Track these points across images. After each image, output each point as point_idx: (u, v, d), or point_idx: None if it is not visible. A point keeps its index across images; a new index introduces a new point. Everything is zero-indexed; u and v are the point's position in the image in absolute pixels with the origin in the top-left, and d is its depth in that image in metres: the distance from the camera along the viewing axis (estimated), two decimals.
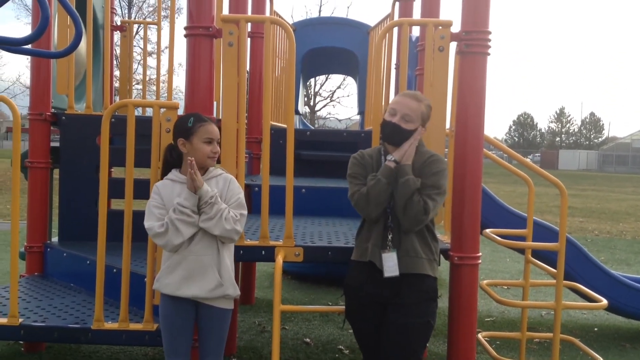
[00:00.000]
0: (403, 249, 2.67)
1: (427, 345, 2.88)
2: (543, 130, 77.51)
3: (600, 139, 72.43)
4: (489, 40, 3.16)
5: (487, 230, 3.79)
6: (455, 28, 3.17)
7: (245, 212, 2.74)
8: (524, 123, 76.60)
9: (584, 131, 74.60)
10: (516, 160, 4.00)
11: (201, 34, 3.05)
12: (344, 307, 2.87)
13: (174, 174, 2.74)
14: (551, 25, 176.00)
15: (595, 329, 5.15)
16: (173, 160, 2.77)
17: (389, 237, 2.69)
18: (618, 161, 53.72)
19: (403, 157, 2.68)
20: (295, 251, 3.13)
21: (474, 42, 3.15)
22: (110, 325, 3.06)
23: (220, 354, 2.78)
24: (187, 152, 2.68)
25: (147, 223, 2.65)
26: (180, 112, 3.07)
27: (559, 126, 75.93)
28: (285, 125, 5.35)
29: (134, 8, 26.32)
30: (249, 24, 3.65)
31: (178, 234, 2.59)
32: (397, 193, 2.64)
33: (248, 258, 3.28)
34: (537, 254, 4.30)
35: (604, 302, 3.62)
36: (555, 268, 3.47)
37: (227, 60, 3.07)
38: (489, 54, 3.19)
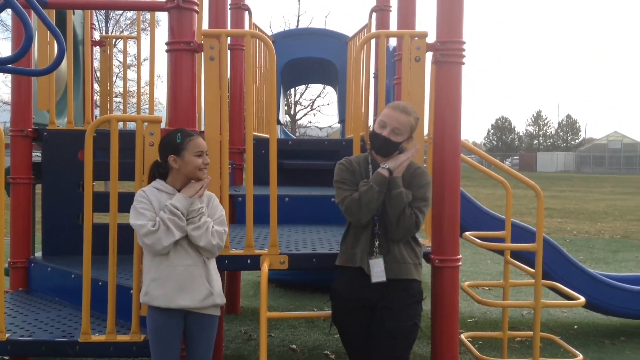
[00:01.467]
0: (391, 255, 2.75)
1: (412, 348, 2.95)
2: (521, 134, 78.53)
3: (577, 141, 73.54)
4: (464, 49, 3.26)
5: (467, 233, 3.88)
6: (431, 39, 3.27)
7: (227, 229, 2.83)
8: (502, 127, 77.53)
9: (561, 133, 75.71)
10: (493, 164, 4.11)
11: (182, 49, 3.10)
12: (329, 312, 2.93)
13: (160, 183, 2.79)
14: (527, 30, 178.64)
15: (575, 326, 5.27)
16: (159, 177, 2.82)
17: (376, 243, 2.76)
18: (595, 162, 54.63)
19: (397, 169, 2.75)
20: (281, 259, 3.18)
21: (449, 52, 3.24)
22: (97, 337, 3.07)
23: None
24: (179, 168, 2.74)
25: (138, 221, 2.65)
26: (162, 125, 3.12)
27: (537, 129, 76.98)
28: (267, 135, 5.42)
29: (111, 21, 26.20)
30: (229, 37, 3.71)
31: (169, 234, 2.62)
32: (389, 204, 2.72)
33: (234, 267, 3.32)
34: (517, 255, 4.41)
35: (582, 299, 3.73)
36: (534, 268, 3.57)
37: (208, 74, 3.12)
38: (463, 63, 3.29)
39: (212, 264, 2.80)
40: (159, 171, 2.82)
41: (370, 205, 2.71)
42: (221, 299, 2.78)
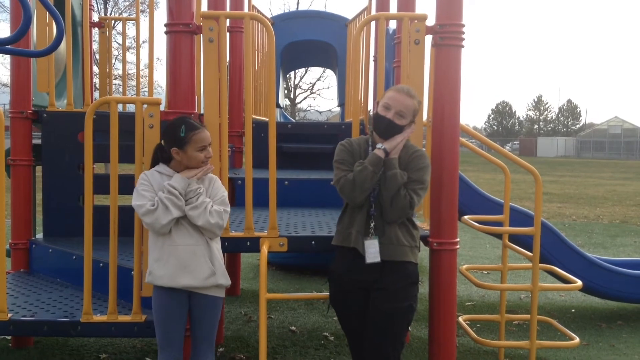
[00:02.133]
0: (386, 237, 2.77)
1: (410, 329, 2.99)
2: (521, 118, 78.34)
3: (577, 126, 73.39)
4: (463, 32, 3.26)
5: (465, 217, 3.90)
6: (430, 21, 3.26)
7: (229, 209, 2.83)
8: (502, 111, 77.30)
9: (562, 118, 75.52)
10: (492, 149, 4.12)
11: (181, 31, 3.09)
12: (328, 294, 2.96)
13: (162, 167, 2.81)
14: (528, 13, 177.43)
15: (573, 310, 5.31)
16: (162, 160, 2.83)
17: (372, 224, 2.78)
18: (595, 147, 54.58)
19: (393, 150, 2.76)
20: (280, 241, 3.20)
21: (448, 35, 3.24)
22: (99, 317, 3.11)
23: (212, 342, 2.86)
24: (181, 160, 2.75)
25: (138, 202, 2.70)
26: (162, 107, 3.12)
27: (537, 114, 76.77)
28: (266, 119, 5.41)
29: (110, 3, 26.05)
30: (228, 19, 3.69)
31: (167, 212, 2.65)
32: (384, 185, 2.73)
33: (233, 249, 3.35)
34: (516, 239, 4.43)
35: (579, 282, 3.76)
36: (532, 252, 3.59)
37: (207, 56, 3.12)
38: (463, 46, 3.28)
39: (216, 245, 2.82)
40: (162, 155, 2.83)
41: (364, 186, 2.72)
42: (225, 280, 2.79)
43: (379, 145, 2.78)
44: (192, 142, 2.73)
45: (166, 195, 2.66)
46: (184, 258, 2.70)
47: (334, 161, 2.89)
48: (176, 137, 2.74)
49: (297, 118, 31.85)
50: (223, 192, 2.86)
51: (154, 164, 2.87)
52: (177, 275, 2.70)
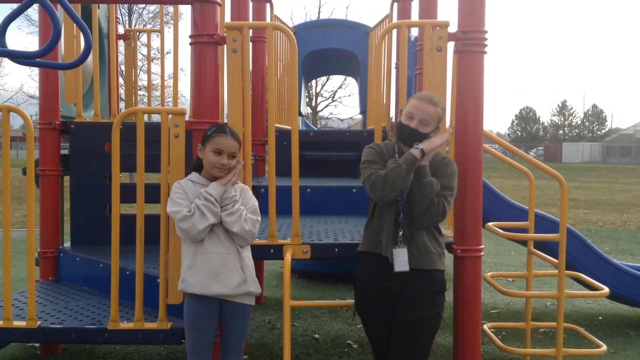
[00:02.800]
0: (414, 245, 2.75)
1: (434, 338, 2.97)
2: (546, 124, 77.49)
3: (603, 131, 72.33)
4: (486, 39, 3.25)
5: (490, 224, 3.87)
6: (453, 28, 3.26)
7: (259, 218, 2.84)
8: (526, 117, 76.58)
9: (587, 123, 74.53)
10: (516, 154, 4.08)
11: (206, 42, 3.14)
12: (352, 302, 2.96)
13: (194, 175, 2.85)
14: (551, 18, 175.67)
15: (600, 317, 5.22)
16: (196, 170, 2.88)
17: (400, 233, 2.77)
18: (622, 152, 53.64)
19: (428, 154, 2.73)
20: (303, 249, 3.22)
21: (470, 42, 3.23)
22: (125, 325, 3.15)
23: (241, 350, 2.88)
24: (202, 158, 2.81)
25: (174, 208, 2.73)
26: (186, 117, 3.17)
27: (562, 119, 75.87)
28: (289, 127, 5.45)
29: (134, 15, 26.42)
30: (251, 30, 3.74)
31: (203, 218, 2.67)
32: (419, 193, 2.72)
33: (257, 257, 3.36)
34: (540, 245, 4.38)
35: (606, 289, 3.70)
36: (557, 259, 3.55)
37: (231, 66, 3.16)
38: (485, 52, 3.27)
39: (247, 253, 2.84)
40: (196, 164, 2.88)
41: (396, 184, 2.68)
42: (255, 287, 2.81)
43: (416, 145, 2.74)
44: (211, 141, 2.76)
45: (203, 202, 2.70)
46: (215, 266, 2.73)
47: (362, 162, 2.87)
48: (205, 134, 2.81)
49: (318, 126, 31.93)
50: (254, 201, 2.88)
51: (195, 167, 2.90)
52: (209, 283, 2.73)
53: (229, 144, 2.76)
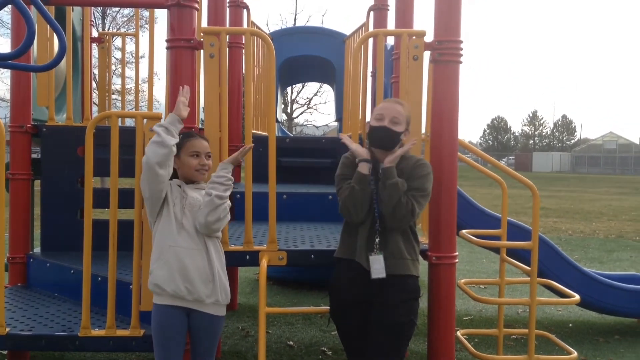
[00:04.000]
0: (389, 250, 2.77)
1: (408, 344, 2.99)
2: (517, 134, 78.76)
3: (572, 141, 73.80)
4: (461, 49, 3.29)
5: (463, 231, 3.91)
6: (429, 37, 3.30)
7: (229, 217, 2.82)
8: (497, 127, 77.76)
9: (557, 133, 75.96)
10: (490, 163, 4.14)
11: (183, 46, 3.12)
12: (327, 308, 2.96)
13: (179, 180, 2.83)
14: (523, 29, 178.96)
15: (570, 324, 5.31)
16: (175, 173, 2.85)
17: (376, 240, 2.78)
18: (590, 162, 54.79)
19: (390, 160, 2.78)
20: (279, 255, 3.21)
21: (446, 51, 3.27)
22: (97, 332, 3.10)
23: (213, 354, 2.84)
24: (178, 167, 2.79)
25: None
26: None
27: (532, 129, 77.19)
28: (264, 133, 5.44)
29: (108, 18, 26.12)
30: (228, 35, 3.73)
31: (160, 146, 2.68)
32: (384, 194, 2.74)
33: (233, 263, 3.34)
34: (512, 253, 4.44)
35: (577, 297, 3.76)
36: (529, 266, 3.60)
37: (208, 72, 3.15)
38: (461, 62, 3.32)
39: (216, 260, 2.77)
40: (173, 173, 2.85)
41: (357, 206, 2.77)
42: (225, 297, 2.77)
43: (358, 161, 2.81)
44: (185, 147, 2.77)
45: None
46: (184, 262, 2.67)
47: (336, 175, 2.92)
48: (177, 145, 2.78)
49: (294, 133, 31.92)
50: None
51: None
52: (176, 278, 2.66)
53: (203, 145, 2.81)
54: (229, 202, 2.75)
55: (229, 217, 2.78)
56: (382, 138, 2.83)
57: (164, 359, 2.74)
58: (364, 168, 2.78)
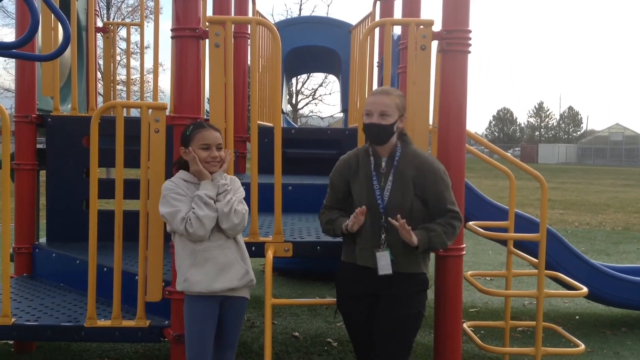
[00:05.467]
0: (399, 248, 2.73)
1: (416, 335, 2.97)
2: (522, 125, 78.45)
3: (578, 133, 73.48)
4: (470, 38, 3.25)
5: (470, 223, 3.89)
6: (437, 27, 3.25)
7: (247, 209, 2.80)
8: (503, 118, 77.45)
9: (563, 125, 75.63)
10: (497, 154, 4.10)
11: (188, 35, 3.09)
12: (333, 300, 2.94)
13: (184, 174, 2.78)
14: (529, 20, 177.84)
15: (577, 317, 5.29)
16: (182, 168, 2.82)
17: (382, 236, 2.75)
18: (597, 154, 54.56)
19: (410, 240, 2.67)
20: (285, 247, 3.19)
21: (454, 41, 3.23)
22: (103, 322, 3.10)
23: (236, 346, 2.89)
24: (188, 160, 2.75)
25: (170, 209, 2.66)
26: (167, 112, 3.13)
27: (538, 120, 76.86)
28: (270, 124, 5.41)
29: (113, 8, 26.05)
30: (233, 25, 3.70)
31: (206, 220, 2.62)
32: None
33: None
34: (519, 245, 4.42)
35: (584, 289, 3.74)
36: (536, 259, 3.57)
37: (213, 61, 3.12)
38: (469, 52, 3.28)
39: (243, 245, 2.82)
40: (180, 162, 2.82)
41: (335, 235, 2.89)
42: (255, 279, 2.82)
43: (344, 226, 2.77)
44: (195, 139, 2.72)
45: (199, 209, 2.62)
46: (220, 260, 2.68)
47: (330, 176, 2.94)
48: (184, 136, 2.76)
49: (299, 124, 31.89)
50: (242, 192, 2.84)
51: (179, 166, 2.84)
52: (214, 280, 2.67)
53: (214, 136, 2.75)
54: (229, 207, 2.68)
55: (236, 219, 2.69)
56: (374, 135, 2.78)
57: (200, 354, 2.70)
58: (343, 231, 2.79)
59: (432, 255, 3.30)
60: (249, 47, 5.34)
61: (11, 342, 4.03)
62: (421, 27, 3.22)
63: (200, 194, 2.65)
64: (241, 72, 5.39)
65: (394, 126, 2.77)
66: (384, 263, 2.69)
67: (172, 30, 3.13)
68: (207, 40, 3.16)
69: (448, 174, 2.88)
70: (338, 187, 2.88)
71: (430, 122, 3.51)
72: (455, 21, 3.24)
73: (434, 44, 3.27)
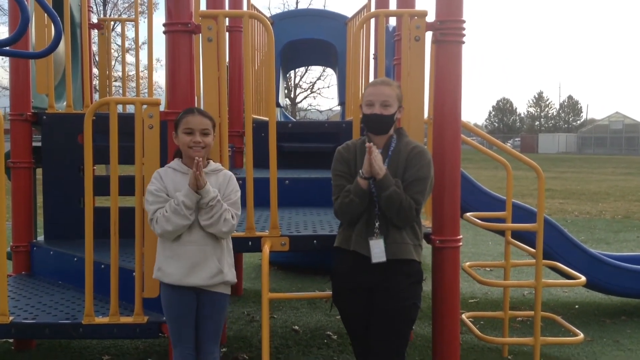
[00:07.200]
0: (390, 235, 2.74)
1: (413, 327, 2.97)
2: (522, 115, 78.30)
3: (578, 122, 73.31)
4: (464, 29, 3.24)
5: (468, 214, 3.89)
6: (430, 18, 3.24)
7: (240, 212, 2.79)
8: (503, 108, 77.27)
9: (563, 114, 75.48)
10: (495, 145, 4.10)
11: (180, 30, 3.07)
12: (330, 293, 2.94)
13: (176, 163, 2.79)
14: (528, 8, 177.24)
15: (576, 306, 5.29)
16: (177, 155, 2.83)
17: (376, 224, 2.76)
18: (597, 143, 54.44)
19: (375, 171, 2.68)
20: (282, 241, 3.19)
21: (448, 31, 3.22)
22: (101, 319, 3.10)
23: (218, 340, 2.86)
24: (178, 144, 2.76)
25: (146, 206, 2.73)
26: (162, 108, 3.11)
27: (538, 110, 76.71)
28: (266, 118, 5.40)
29: (109, 5, 26.03)
30: (227, 19, 3.68)
31: (168, 223, 2.63)
32: (384, 206, 2.71)
33: (235, 249, 3.30)
34: (518, 235, 4.41)
35: (583, 278, 3.74)
36: (535, 249, 3.57)
37: (206, 56, 3.11)
38: (463, 42, 3.26)
39: (226, 243, 2.80)
40: (177, 150, 2.83)
41: (354, 214, 2.77)
42: (232, 277, 2.79)
43: (360, 173, 2.72)
44: (181, 124, 2.73)
45: (173, 213, 2.62)
46: (194, 258, 2.68)
47: (331, 169, 2.90)
48: (175, 123, 2.77)
49: (297, 117, 31.85)
50: (237, 192, 2.81)
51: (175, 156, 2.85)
52: (185, 275, 2.69)
53: (198, 121, 2.72)
54: (215, 219, 2.66)
55: (225, 227, 2.68)
56: (375, 125, 2.80)
57: (178, 336, 2.76)
58: (364, 184, 2.72)
59: (428, 246, 3.31)
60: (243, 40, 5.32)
61: (11, 340, 4.04)
62: (415, 18, 3.21)
63: (177, 200, 2.63)
64: (237, 66, 5.37)
65: (394, 117, 2.78)
66: (377, 251, 2.71)
67: (164, 25, 3.12)
68: (200, 35, 3.15)
69: (443, 165, 2.87)
70: (344, 172, 2.85)
71: (426, 113, 3.50)
72: (449, 12, 3.23)
73: (428, 35, 3.26)
